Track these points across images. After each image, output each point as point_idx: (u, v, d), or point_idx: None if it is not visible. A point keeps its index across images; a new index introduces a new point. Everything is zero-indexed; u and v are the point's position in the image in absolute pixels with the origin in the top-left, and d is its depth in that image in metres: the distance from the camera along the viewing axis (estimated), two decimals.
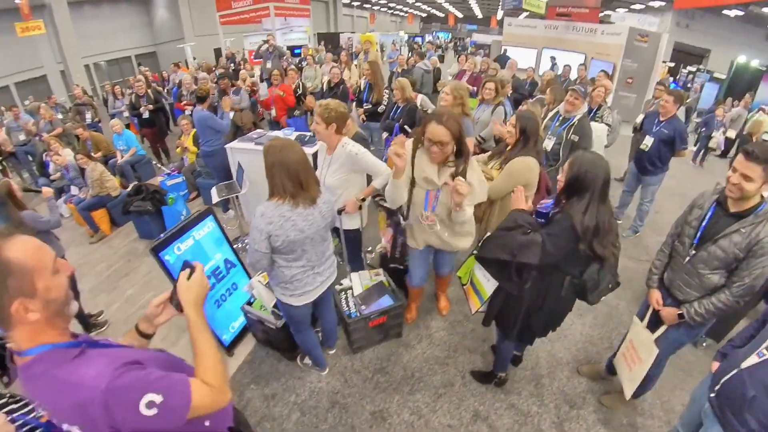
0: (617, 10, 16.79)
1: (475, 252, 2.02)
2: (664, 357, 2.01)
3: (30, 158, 6.35)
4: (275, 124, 5.98)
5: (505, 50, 10.43)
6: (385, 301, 2.59)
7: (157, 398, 0.84)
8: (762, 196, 1.59)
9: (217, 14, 10.98)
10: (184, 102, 6.43)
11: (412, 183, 2.11)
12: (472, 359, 2.63)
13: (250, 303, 2.60)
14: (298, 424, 2.24)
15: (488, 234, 1.85)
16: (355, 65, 7.51)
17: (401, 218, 2.34)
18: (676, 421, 1.92)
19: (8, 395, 1.46)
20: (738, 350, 1.51)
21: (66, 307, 0.90)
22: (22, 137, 6.25)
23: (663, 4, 15.03)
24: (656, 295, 1.95)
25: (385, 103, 4.58)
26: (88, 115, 6.74)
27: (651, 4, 15.47)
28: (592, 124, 3.61)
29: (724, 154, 7.64)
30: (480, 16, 33.97)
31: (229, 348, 2.69)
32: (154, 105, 6.29)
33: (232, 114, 4.71)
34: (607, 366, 2.42)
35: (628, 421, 2.27)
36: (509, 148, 2.49)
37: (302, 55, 9.58)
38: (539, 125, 2.51)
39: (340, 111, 2.31)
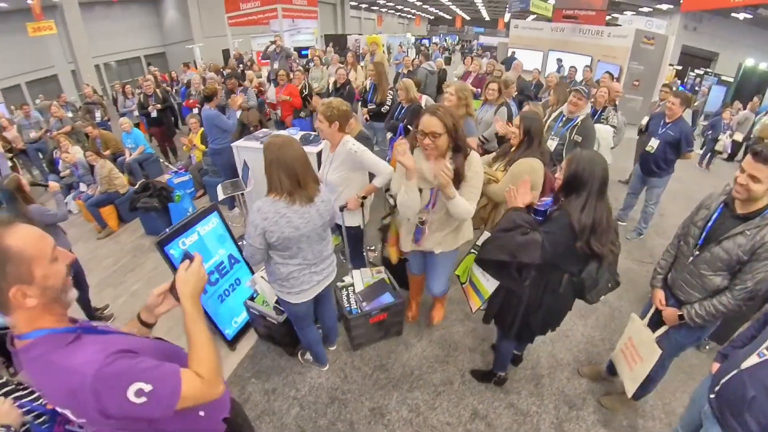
0: (625, 12, 16.72)
1: (473, 251, 2.03)
2: (666, 359, 1.99)
3: (40, 155, 6.47)
4: (281, 124, 6.03)
5: (513, 53, 10.42)
6: (386, 299, 2.60)
7: (146, 387, 0.85)
8: None
9: (226, 15, 11.12)
10: (192, 100, 6.52)
11: None
12: (472, 358, 2.63)
13: (252, 298, 2.63)
14: (298, 419, 2.26)
15: (487, 235, 1.85)
16: (362, 66, 7.54)
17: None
18: (676, 423, 1.90)
19: (16, 383, 1.50)
20: (738, 351, 1.50)
21: (64, 294, 0.92)
22: (33, 135, 6.36)
23: (671, 6, 14.91)
24: (660, 295, 1.94)
25: (389, 104, 4.63)
26: (98, 114, 6.84)
27: (659, 6, 15.36)
28: (598, 126, 3.59)
29: (731, 158, 7.55)
30: (487, 18, 34.00)
31: (232, 342, 2.73)
32: (162, 104, 6.41)
33: (239, 113, 4.77)
34: (608, 367, 2.41)
35: (628, 422, 2.26)
36: (513, 149, 2.46)
37: (309, 57, 9.66)
38: (543, 126, 2.49)
39: (343, 109, 2.34)
